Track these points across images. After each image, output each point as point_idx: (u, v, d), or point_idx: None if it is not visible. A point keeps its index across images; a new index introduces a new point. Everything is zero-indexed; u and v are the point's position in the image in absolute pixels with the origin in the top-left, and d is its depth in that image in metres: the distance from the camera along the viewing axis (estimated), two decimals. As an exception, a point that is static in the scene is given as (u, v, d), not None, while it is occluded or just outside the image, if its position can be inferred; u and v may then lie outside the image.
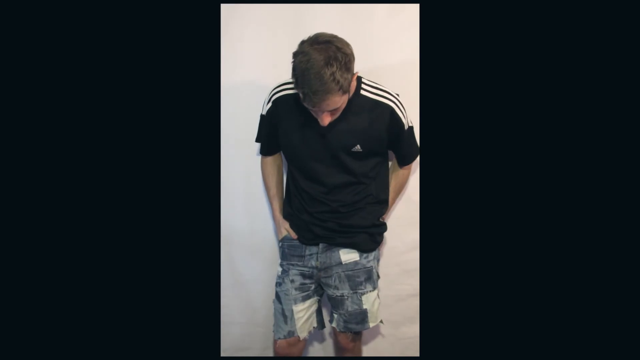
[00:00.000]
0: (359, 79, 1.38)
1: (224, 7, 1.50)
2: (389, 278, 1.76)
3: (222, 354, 1.80)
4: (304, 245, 1.50)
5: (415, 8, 1.54)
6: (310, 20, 1.63)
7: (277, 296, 1.56)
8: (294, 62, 1.23)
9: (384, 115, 1.38)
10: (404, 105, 1.42)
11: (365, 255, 1.50)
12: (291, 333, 1.53)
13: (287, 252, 1.54)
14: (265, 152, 1.57)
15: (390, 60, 1.63)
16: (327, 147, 1.39)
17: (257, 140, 1.56)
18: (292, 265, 1.51)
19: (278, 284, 1.55)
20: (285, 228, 1.53)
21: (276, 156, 1.58)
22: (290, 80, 1.47)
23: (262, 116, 1.51)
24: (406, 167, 1.56)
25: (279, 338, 1.55)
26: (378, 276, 1.56)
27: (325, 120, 1.29)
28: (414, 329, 1.77)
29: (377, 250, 1.54)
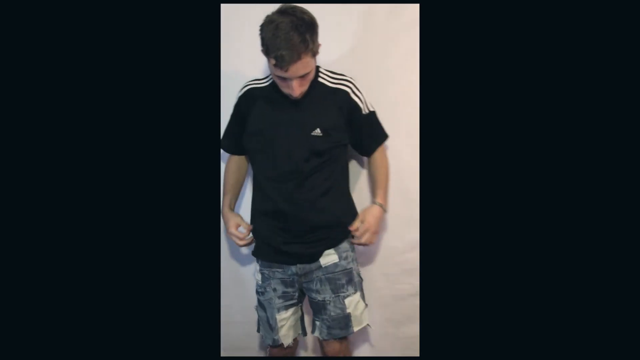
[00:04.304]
0: (317, 68, 1.39)
1: (224, 7, 1.50)
2: (389, 277, 1.76)
3: (222, 354, 1.80)
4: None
5: (415, 8, 1.54)
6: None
7: (260, 304, 1.53)
8: (261, 33, 1.25)
9: (342, 100, 1.39)
10: (360, 89, 1.43)
11: (344, 256, 1.45)
12: (276, 341, 1.50)
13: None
14: (232, 150, 1.57)
15: (390, 60, 1.63)
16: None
17: (223, 139, 1.56)
18: (273, 272, 1.47)
19: (260, 293, 1.52)
20: None
21: None
22: (257, 77, 1.48)
23: (231, 115, 1.53)
24: (378, 152, 1.52)
25: (269, 345, 1.54)
26: (360, 278, 1.52)
27: (297, 89, 1.29)
28: (414, 329, 1.76)
29: (354, 252, 1.51)
